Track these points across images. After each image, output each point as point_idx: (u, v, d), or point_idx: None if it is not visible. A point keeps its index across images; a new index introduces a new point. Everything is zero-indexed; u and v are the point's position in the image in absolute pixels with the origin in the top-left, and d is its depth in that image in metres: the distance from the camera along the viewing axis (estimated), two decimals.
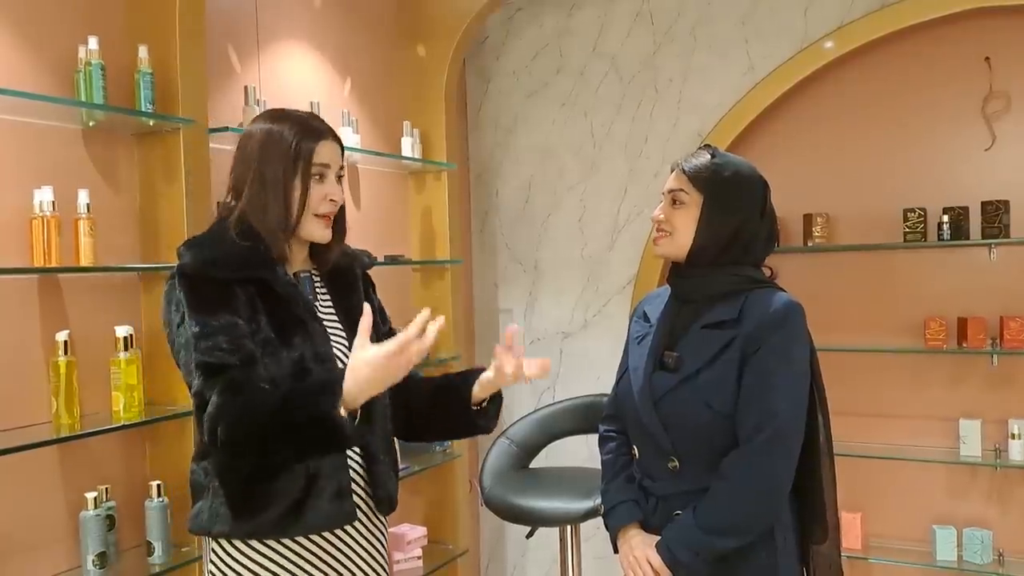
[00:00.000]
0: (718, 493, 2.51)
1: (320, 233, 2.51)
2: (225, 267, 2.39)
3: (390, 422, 2.67)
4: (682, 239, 2.62)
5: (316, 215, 2.48)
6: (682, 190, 2.62)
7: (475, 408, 2.64)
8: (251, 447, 2.26)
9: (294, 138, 2.46)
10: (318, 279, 2.65)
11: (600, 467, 2.97)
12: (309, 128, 2.50)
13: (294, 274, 2.55)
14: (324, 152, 2.48)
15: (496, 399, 2.67)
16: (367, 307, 2.23)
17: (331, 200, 2.49)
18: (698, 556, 2.51)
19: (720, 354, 2.53)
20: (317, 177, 2.48)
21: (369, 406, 2.29)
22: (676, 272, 2.71)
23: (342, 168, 2.56)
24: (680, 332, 2.65)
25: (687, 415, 2.55)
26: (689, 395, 2.55)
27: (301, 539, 2.44)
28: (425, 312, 2.15)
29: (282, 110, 2.60)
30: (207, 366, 2.29)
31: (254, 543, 2.42)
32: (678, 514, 2.59)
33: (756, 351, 2.50)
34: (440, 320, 2.13)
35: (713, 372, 2.53)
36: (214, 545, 2.49)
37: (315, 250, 2.62)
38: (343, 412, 2.17)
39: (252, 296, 2.40)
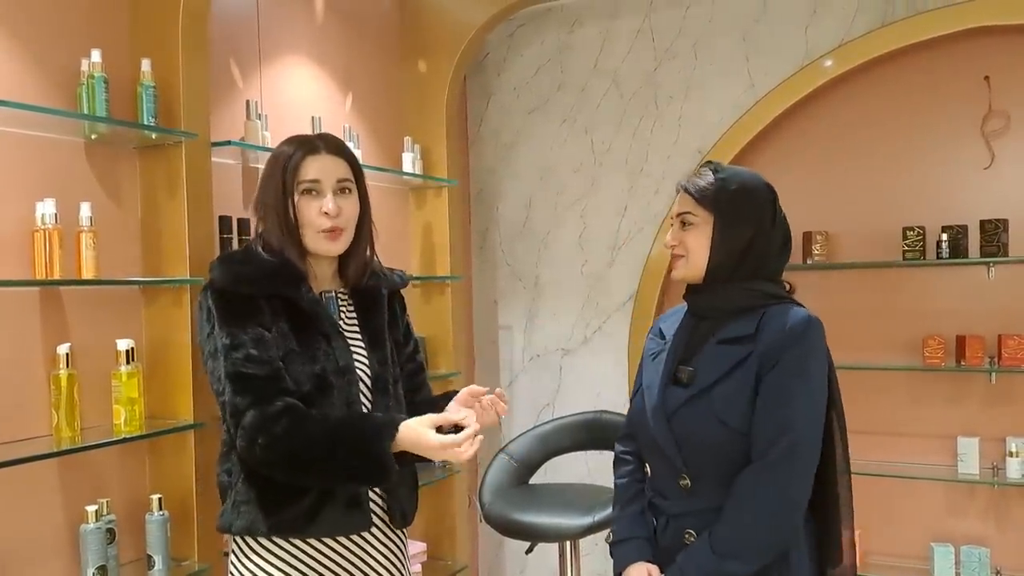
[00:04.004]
0: (732, 513, 2.46)
1: (324, 247, 2.58)
2: (252, 283, 2.50)
3: None
4: (697, 260, 2.59)
5: (319, 231, 2.55)
6: (690, 212, 2.59)
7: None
8: (289, 469, 2.42)
9: (287, 157, 2.56)
10: (344, 298, 2.72)
11: (612, 487, 2.93)
12: (302, 145, 2.58)
13: (320, 293, 2.63)
14: (312, 167, 2.55)
15: None
16: (451, 411, 2.50)
17: (325, 214, 2.53)
18: None
19: (735, 369, 2.49)
20: (311, 193, 2.55)
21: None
22: (692, 289, 2.69)
23: (346, 181, 2.60)
24: (696, 347, 2.62)
25: (700, 431, 2.51)
26: (703, 410, 2.51)
27: (317, 542, 2.53)
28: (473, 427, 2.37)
29: (300, 134, 2.68)
30: (238, 376, 2.42)
31: (275, 541, 2.52)
32: (688, 532, 2.55)
33: (773, 367, 2.45)
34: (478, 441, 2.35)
35: (727, 387, 2.49)
36: (236, 543, 2.59)
37: (341, 267, 2.71)
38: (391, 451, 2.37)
39: (277, 311, 2.51)
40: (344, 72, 5.10)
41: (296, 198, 2.54)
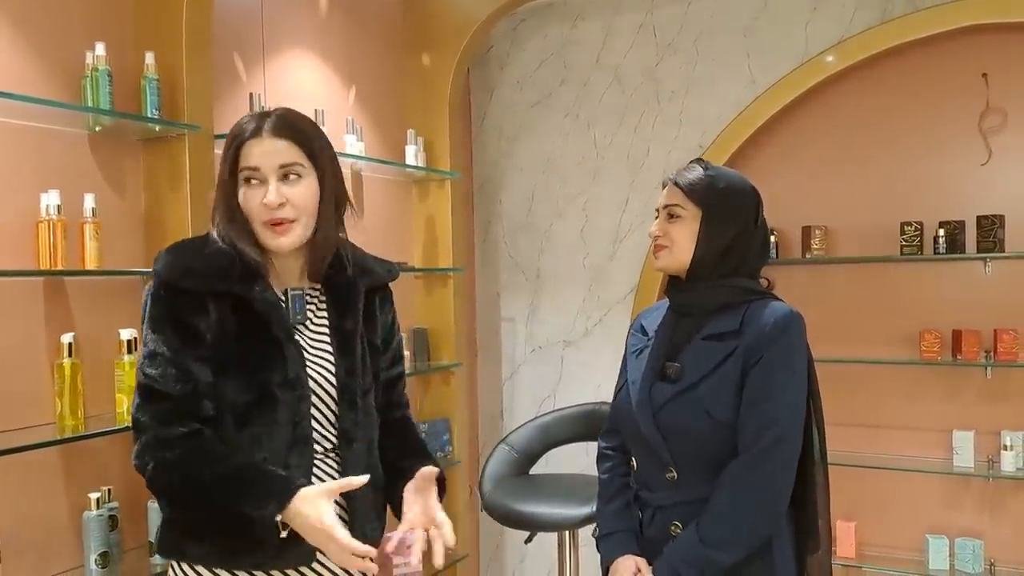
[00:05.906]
0: (719, 504, 2.50)
1: (273, 243, 2.27)
2: (199, 277, 2.21)
3: (376, 455, 2.46)
4: (681, 252, 2.62)
5: (263, 223, 2.25)
6: (678, 205, 2.63)
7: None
8: (173, 498, 2.24)
9: (232, 138, 2.28)
10: (315, 296, 2.41)
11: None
12: (249, 123, 2.28)
13: (284, 291, 2.34)
14: (252, 153, 2.24)
15: None
16: (359, 479, 2.16)
17: (264, 205, 2.22)
18: (702, 573, 2.50)
19: (721, 364, 2.53)
20: (252, 181, 2.25)
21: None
22: (674, 285, 2.72)
23: (292, 166, 2.25)
24: (680, 344, 2.65)
25: (687, 425, 2.55)
26: (690, 405, 2.54)
27: (259, 573, 2.26)
28: (372, 551, 2.10)
29: (257, 111, 2.37)
30: (148, 390, 2.20)
31: (210, 570, 2.26)
32: (675, 524, 2.59)
33: (758, 361, 2.50)
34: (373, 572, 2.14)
35: (714, 382, 2.53)
36: (172, 568, 2.33)
37: (310, 261, 2.37)
38: (279, 520, 2.10)
39: (225, 311, 2.23)
40: (348, 65, 5.13)
41: (241, 187, 2.25)
